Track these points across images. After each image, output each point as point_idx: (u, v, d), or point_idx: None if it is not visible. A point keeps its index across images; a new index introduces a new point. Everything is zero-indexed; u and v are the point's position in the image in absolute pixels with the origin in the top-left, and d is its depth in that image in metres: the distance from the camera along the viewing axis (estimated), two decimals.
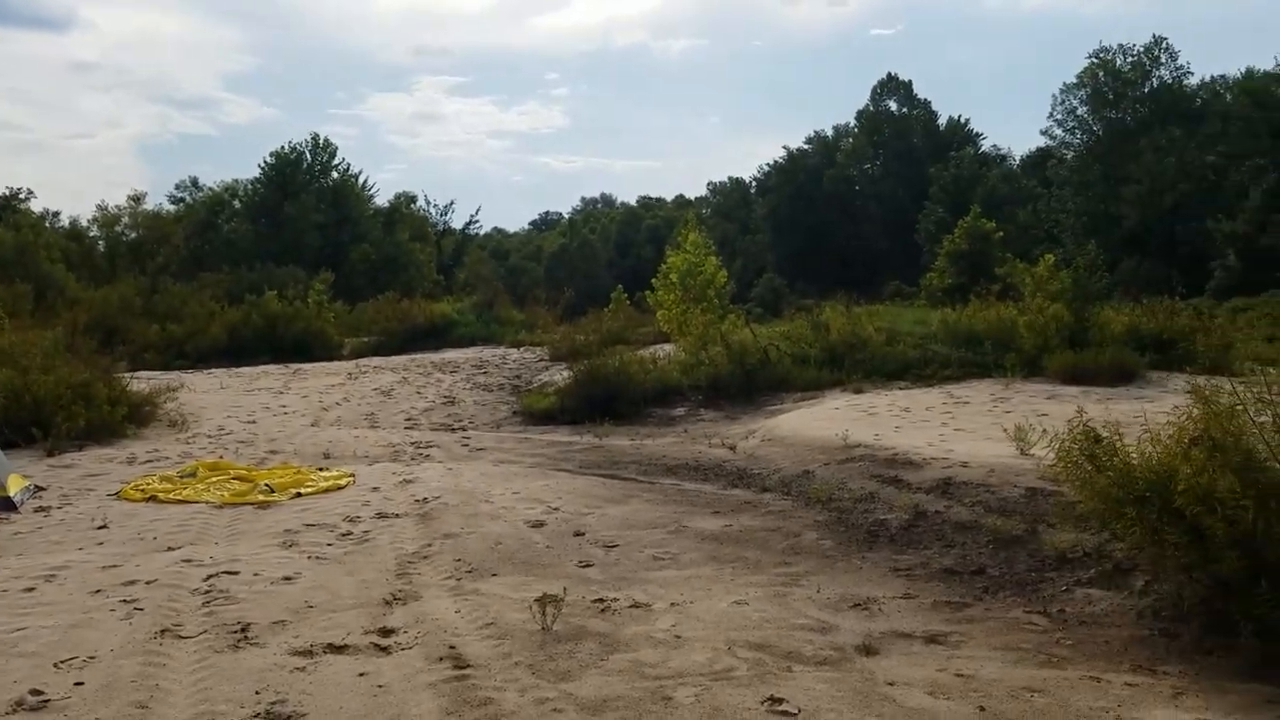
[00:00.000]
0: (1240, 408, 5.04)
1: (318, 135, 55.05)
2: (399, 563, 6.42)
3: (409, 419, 14.37)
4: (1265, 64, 47.00)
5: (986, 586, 5.93)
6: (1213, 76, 50.13)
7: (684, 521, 7.63)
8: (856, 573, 6.29)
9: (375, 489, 8.82)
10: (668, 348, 19.12)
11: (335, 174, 54.56)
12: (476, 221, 69.30)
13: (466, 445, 11.70)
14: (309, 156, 54.05)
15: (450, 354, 24.78)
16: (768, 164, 69.39)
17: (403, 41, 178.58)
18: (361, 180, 55.70)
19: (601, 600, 5.53)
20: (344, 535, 7.18)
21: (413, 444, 11.72)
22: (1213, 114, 45.03)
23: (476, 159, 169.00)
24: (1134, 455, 5.11)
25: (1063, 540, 6.12)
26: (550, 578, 6.03)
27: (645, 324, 25.95)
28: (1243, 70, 48.32)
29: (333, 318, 29.01)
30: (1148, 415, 6.23)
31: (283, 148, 53.53)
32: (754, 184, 72.73)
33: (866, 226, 62.22)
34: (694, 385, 14.61)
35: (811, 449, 9.64)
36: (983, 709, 4.05)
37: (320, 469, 9.86)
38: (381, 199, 58.87)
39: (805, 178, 64.74)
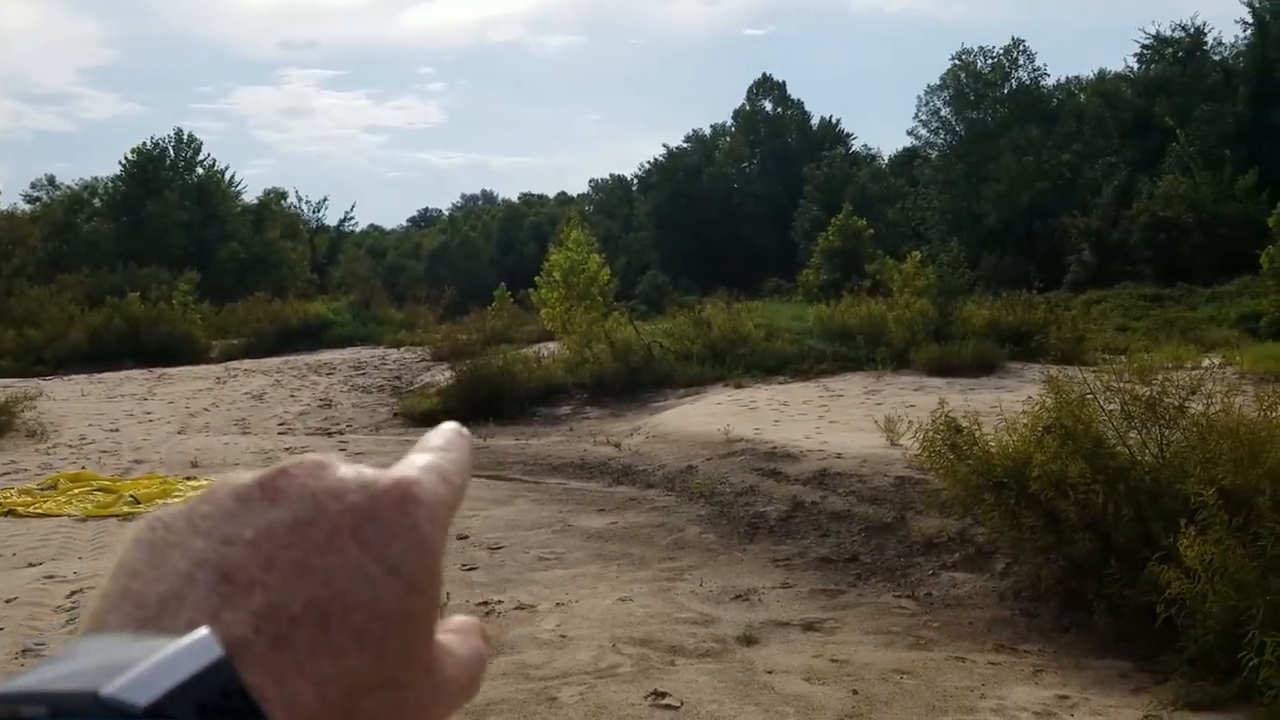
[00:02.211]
0: (1090, 396, 5.37)
1: (181, 130, 52.83)
2: None
3: (283, 424, 13.97)
4: (1115, 65, 49.86)
5: (860, 573, 6.16)
6: (1067, 78, 52.75)
7: (570, 520, 7.66)
8: (738, 565, 6.43)
9: None
10: (552, 346, 19.08)
11: (200, 170, 52.43)
12: (351, 218, 67.64)
13: (344, 449, 11.44)
14: (172, 152, 51.78)
15: (326, 355, 24.15)
16: (648, 162, 69.82)
17: (268, 34, 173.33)
18: (228, 176, 53.73)
19: (486, 603, 5.51)
20: None
21: (286, 450, 11.40)
22: (1067, 114, 47.37)
23: (350, 154, 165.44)
24: (992, 444, 5.38)
25: (929, 526, 6.40)
26: None
27: (529, 322, 25.82)
28: (1095, 72, 51.10)
29: (200, 319, 27.90)
30: (1005, 405, 6.56)
31: (144, 143, 51.20)
32: (635, 181, 73.06)
33: (746, 224, 63.25)
34: (579, 383, 14.63)
35: (694, 444, 9.78)
36: (856, 692, 4.22)
37: (188, 479, 9.52)
38: (250, 195, 56.80)
39: (685, 176, 65.37)
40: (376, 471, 0.37)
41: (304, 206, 62.45)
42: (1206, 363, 13.15)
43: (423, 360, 21.15)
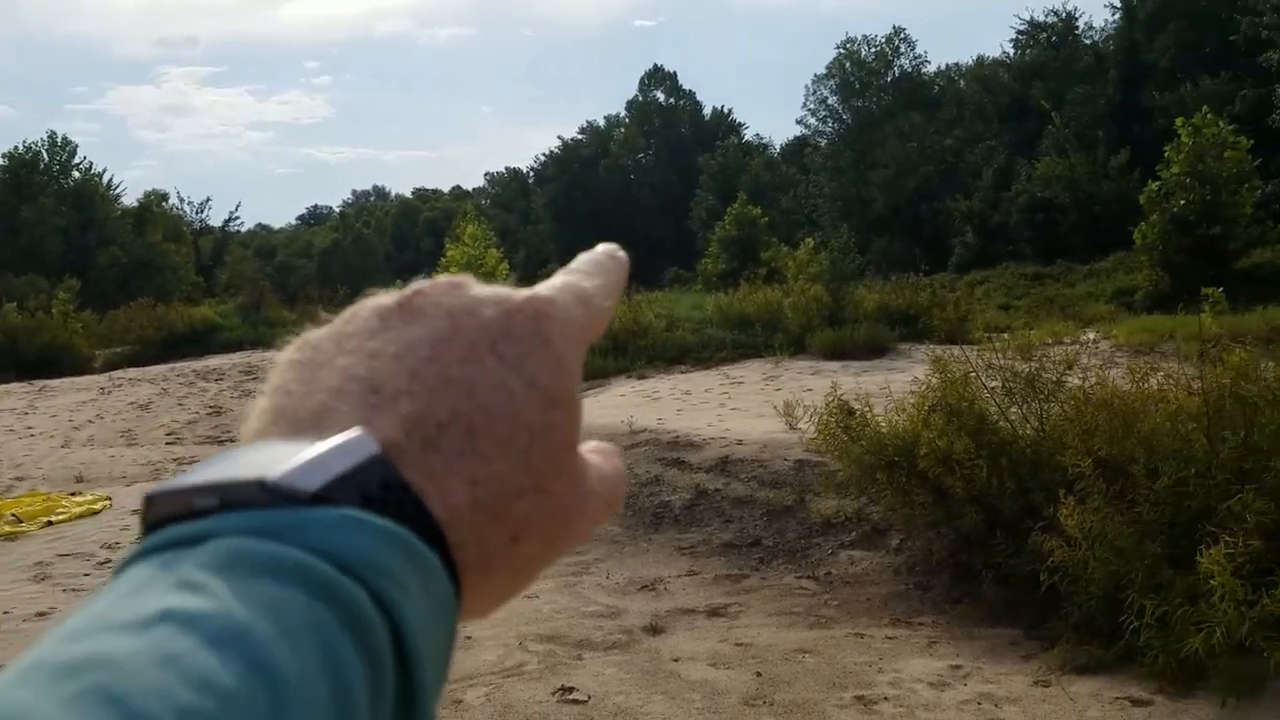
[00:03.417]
0: (973, 375, 5.56)
1: (55, 133, 50.54)
2: None
3: (171, 434, 13.49)
4: (993, 51, 51.48)
5: (762, 557, 6.27)
6: (947, 65, 54.38)
7: None
8: (644, 555, 6.48)
9: (135, 512, 8.26)
10: None
11: (76, 174, 50.28)
12: (237, 218, 65.65)
13: None
14: (46, 156, 49.53)
15: (215, 360, 23.40)
16: (544, 154, 69.59)
17: (144, 31, 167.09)
18: (106, 179, 51.62)
19: None
20: (102, 564, 6.69)
21: (175, 461, 11.04)
22: (948, 100, 48.71)
23: (235, 152, 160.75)
24: (883, 424, 5.54)
25: (827, 507, 6.55)
26: None
27: None
28: (973, 58, 52.73)
29: (81, 329, 26.75)
30: (896, 386, 6.75)
31: (16, 147, 48.82)
32: (532, 174, 72.67)
33: (643, 215, 63.56)
34: None
35: (599, 437, 9.29)
36: (759, 674, 4.30)
37: (73, 494, 9.12)
38: (130, 198, 54.69)
39: (581, 167, 65.34)
40: (511, 290, 0.39)
41: (187, 207, 60.51)
42: (1086, 337, 13.75)
43: None
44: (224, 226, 63.17)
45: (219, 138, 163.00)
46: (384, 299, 0.38)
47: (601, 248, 0.46)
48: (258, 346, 25.70)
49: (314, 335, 0.38)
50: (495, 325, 0.37)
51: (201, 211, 61.16)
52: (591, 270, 0.43)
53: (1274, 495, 4.29)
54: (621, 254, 0.46)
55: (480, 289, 0.38)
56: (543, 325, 0.38)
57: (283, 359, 0.37)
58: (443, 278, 0.39)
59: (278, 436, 0.34)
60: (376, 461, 0.32)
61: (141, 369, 22.79)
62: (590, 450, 0.41)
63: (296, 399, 0.35)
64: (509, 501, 0.35)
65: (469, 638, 4.88)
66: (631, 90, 71.54)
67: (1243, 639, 3.75)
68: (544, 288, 0.40)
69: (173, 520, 0.31)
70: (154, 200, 56.83)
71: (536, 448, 0.36)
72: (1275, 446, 4.55)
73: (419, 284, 0.38)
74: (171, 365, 23.08)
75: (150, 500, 0.32)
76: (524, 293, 0.39)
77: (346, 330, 0.37)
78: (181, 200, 60.97)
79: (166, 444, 12.64)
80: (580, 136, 68.97)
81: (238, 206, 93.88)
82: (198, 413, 15.18)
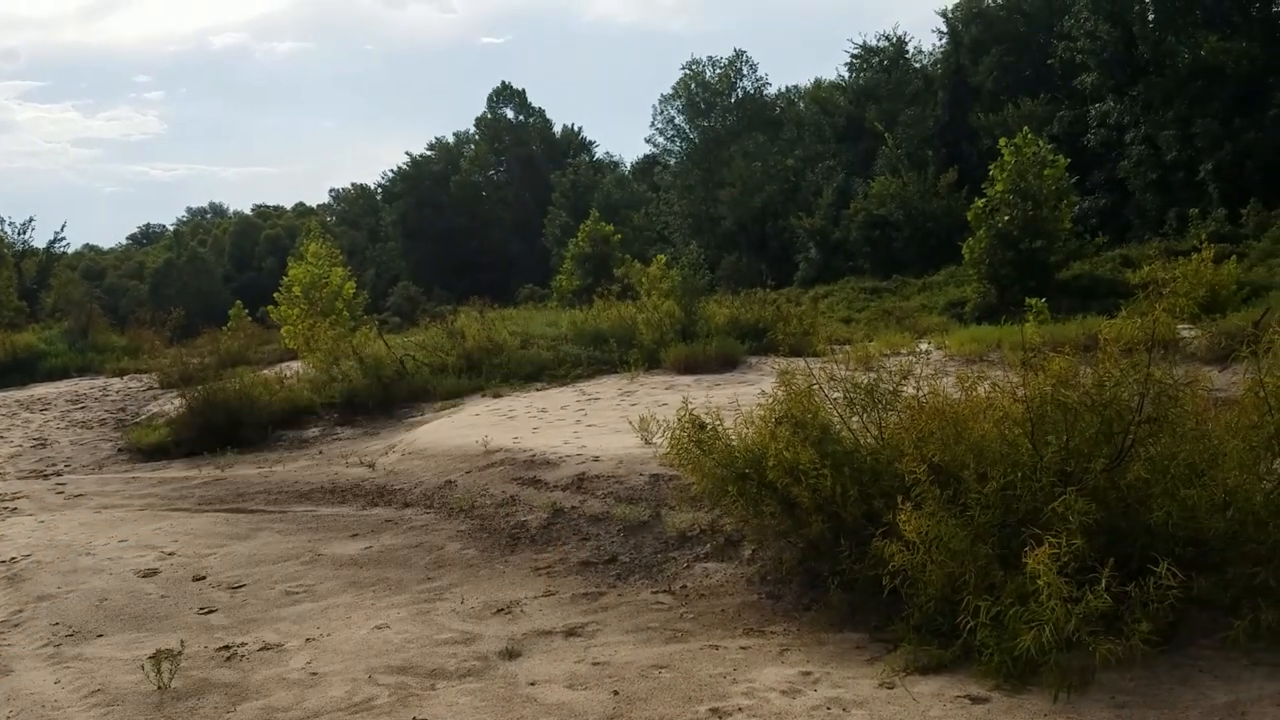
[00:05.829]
0: (816, 387, 5.72)
1: None
2: None
3: None
4: (829, 74, 53.52)
5: (619, 573, 6.27)
6: (787, 87, 56.26)
7: (320, 549, 7.34)
8: (500, 578, 6.39)
9: None
10: (296, 365, 18.21)
11: None
12: (63, 239, 61.89)
13: (62, 492, 10.44)
14: None
15: (40, 389, 21.88)
16: (392, 170, 68.32)
17: None
18: None
19: (227, 647, 5.18)
20: None
21: None
22: (789, 121, 50.37)
23: (60, 169, 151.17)
24: (733, 437, 5.63)
25: (682, 520, 6.61)
26: (167, 630, 5.56)
27: (271, 341, 24.50)
28: (811, 81, 54.62)
29: None
30: (747, 398, 6.89)
31: None
32: (380, 190, 71.15)
33: (496, 231, 63.18)
34: (328, 403, 14.04)
35: (453, 458, 9.62)
36: (616, 693, 4.29)
37: None
38: None
39: (431, 184, 64.44)
40: None
41: (8, 229, 56.70)
42: (920, 348, 14.38)
43: (150, 389, 19.62)
44: (49, 248, 59.52)
45: (42, 155, 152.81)
46: None
47: None
48: (86, 373, 24.18)
49: None
50: None
51: (24, 233, 57.39)
52: None
53: (1095, 496, 4.57)
54: None
55: None
56: None
57: None
58: None
59: None
60: None
61: None
62: None
63: None
64: None
65: (315, 674, 4.69)
66: (480, 107, 71.10)
67: (1070, 635, 3.96)
68: None
69: None
70: None
71: None
72: (1094, 449, 4.85)
73: None
74: None
75: None
76: None
77: None
78: (2, 221, 57.05)
79: None
80: (429, 153, 68.00)
81: (63, 227, 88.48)
82: (21, 445, 14.16)
